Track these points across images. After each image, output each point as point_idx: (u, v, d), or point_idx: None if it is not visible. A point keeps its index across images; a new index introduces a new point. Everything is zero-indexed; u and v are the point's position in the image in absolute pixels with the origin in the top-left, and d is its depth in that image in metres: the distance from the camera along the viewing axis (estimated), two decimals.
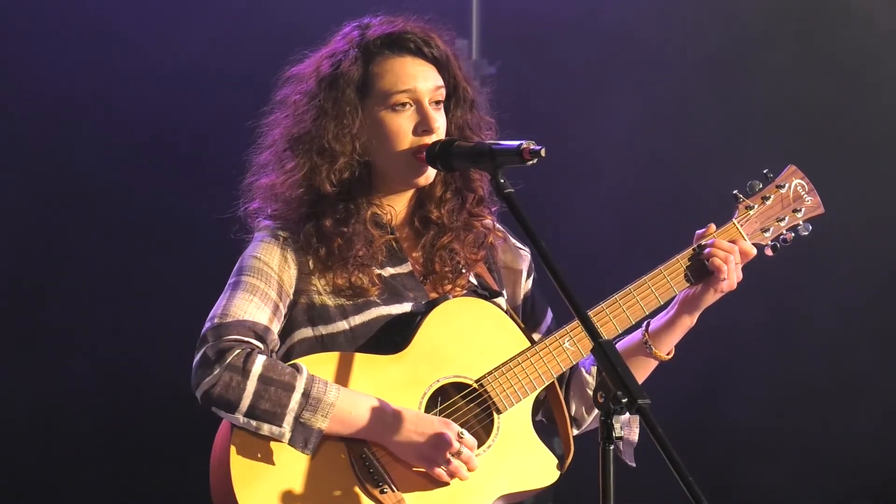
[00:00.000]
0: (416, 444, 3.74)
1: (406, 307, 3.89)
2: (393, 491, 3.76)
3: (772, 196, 4.08)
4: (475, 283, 4.01)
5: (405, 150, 3.87)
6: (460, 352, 3.86)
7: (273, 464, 3.72)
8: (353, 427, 3.74)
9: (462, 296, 3.95)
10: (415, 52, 3.90)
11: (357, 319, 3.86)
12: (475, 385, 3.86)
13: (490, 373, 3.87)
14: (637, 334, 4.04)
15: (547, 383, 3.92)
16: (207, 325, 3.79)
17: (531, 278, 4.13)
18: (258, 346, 3.77)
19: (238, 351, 3.72)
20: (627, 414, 3.24)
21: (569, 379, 4.09)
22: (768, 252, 4.08)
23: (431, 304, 3.89)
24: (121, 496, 6.35)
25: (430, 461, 3.75)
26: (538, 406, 4.01)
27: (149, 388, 6.21)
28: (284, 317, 3.87)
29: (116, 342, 6.30)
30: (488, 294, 4.00)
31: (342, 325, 3.86)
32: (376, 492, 3.75)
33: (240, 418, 3.70)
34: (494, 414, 3.85)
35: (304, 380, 3.72)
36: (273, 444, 3.74)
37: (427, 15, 3.96)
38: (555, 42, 6.74)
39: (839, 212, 4.17)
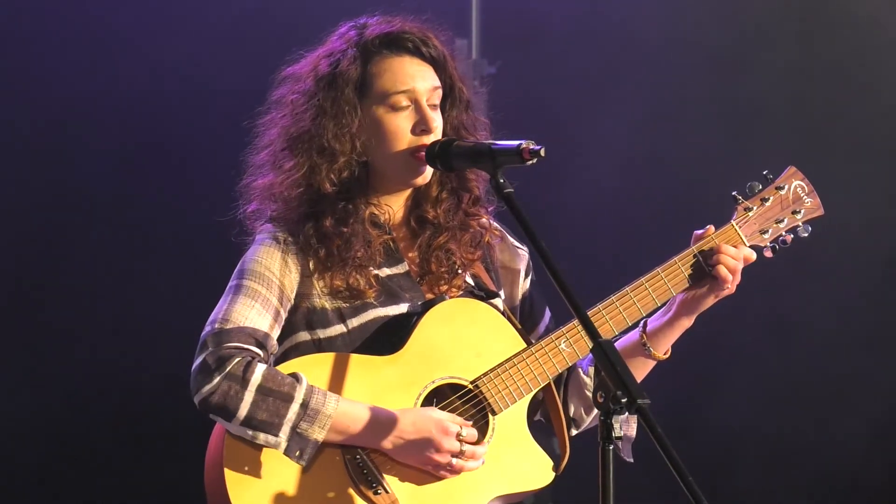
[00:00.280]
0: (417, 450, 3.74)
1: (402, 308, 3.89)
2: (387, 492, 3.75)
3: (771, 197, 4.07)
4: (472, 283, 4.00)
5: (403, 149, 3.87)
6: (456, 353, 3.86)
7: (267, 465, 3.72)
8: (352, 436, 3.73)
9: (458, 296, 3.94)
10: (413, 51, 3.90)
11: (354, 322, 3.86)
12: (470, 386, 3.86)
13: (485, 374, 3.87)
14: (634, 334, 4.03)
15: (542, 385, 3.91)
16: (207, 329, 3.78)
17: (529, 278, 4.12)
18: (258, 354, 3.76)
19: (238, 359, 3.71)
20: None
21: (567, 380, 4.08)
22: (767, 254, 4.06)
23: (427, 305, 3.88)
24: (121, 496, 6.35)
25: (434, 465, 3.76)
26: (537, 405, 4.01)
27: (149, 389, 6.20)
28: (285, 321, 3.86)
29: (116, 342, 6.30)
30: (485, 295, 3.99)
31: (340, 329, 3.86)
32: (370, 493, 3.74)
33: (237, 427, 3.70)
34: (490, 415, 3.85)
35: (303, 390, 3.71)
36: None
37: (424, 15, 3.95)
38: (555, 42, 6.75)
39: (838, 213, 4.16)
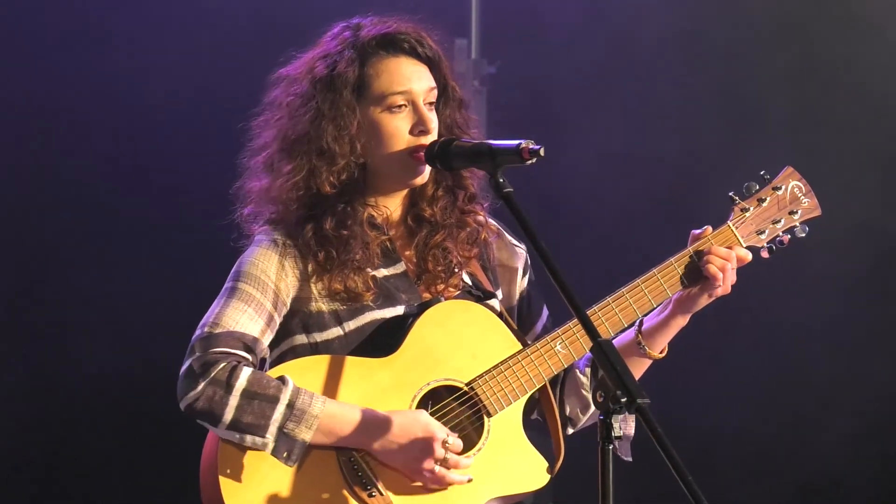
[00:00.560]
0: (402, 454, 3.74)
1: (399, 310, 3.89)
2: (381, 494, 3.75)
3: (768, 198, 4.06)
4: (469, 283, 4.00)
5: (402, 150, 3.87)
6: (451, 354, 3.86)
7: (261, 468, 3.72)
8: (339, 438, 3.73)
9: (454, 297, 3.94)
10: (409, 52, 3.90)
11: (351, 325, 3.86)
12: (466, 388, 3.85)
13: (481, 376, 3.86)
14: (630, 333, 4.02)
15: (538, 386, 3.91)
16: (197, 332, 3.78)
17: (527, 276, 4.12)
18: (245, 358, 3.76)
19: (223, 365, 3.71)
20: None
21: (563, 379, 4.07)
22: (764, 254, 4.05)
23: (423, 307, 3.88)
24: (121, 496, 6.35)
25: (416, 471, 3.75)
26: (534, 405, 4.00)
27: (149, 388, 6.20)
28: (279, 325, 3.86)
29: (116, 342, 6.31)
30: (482, 295, 3.99)
31: (336, 331, 3.85)
32: (364, 494, 3.74)
33: (223, 431, 3.70)
34: (485, 417, 3.84)
35: (289, 392, 3.71)
36: None
37: (418, 14, 3.95)
38: (554, 42, 6.75)
39: (832, 213, 4.15)
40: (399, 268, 3.94)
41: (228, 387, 3.69)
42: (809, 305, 6.70)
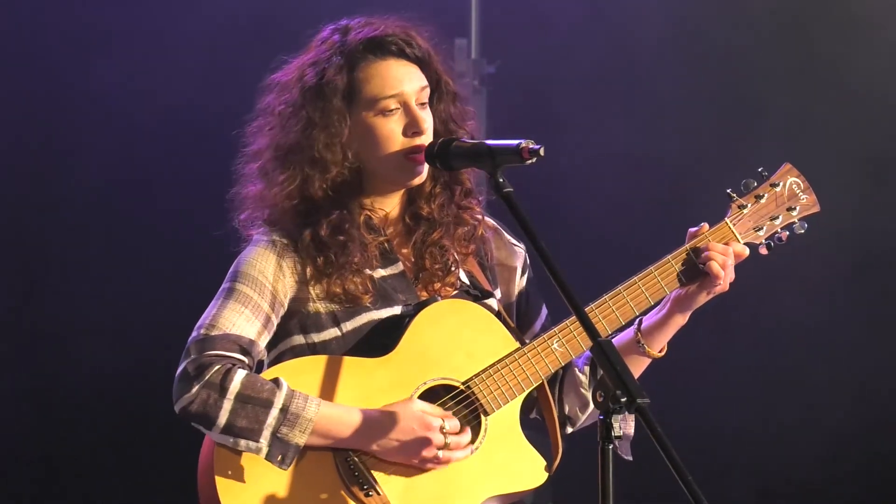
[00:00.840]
0: (402, 450, 3.74)
1: (396, 310, 3.88)
2: (378, 493, 3.75)
3: (766, 194, 4.05)
4: (467, 282, 3.99)
5: (396, 152, 3.86)
6: (448, 354, 3.85)
7: (258, 469, 3.71)
8: (335, 440, 3.73)
9: (451, 297, 3.94)
10: (398, 53, 3.88)
11: (349, 325, 3.86)
12: (462, 387, 3.85)
13: (477, 375, 3.86)
14: (629, 332, 4.01)
15: (535, 385, 3.90)
16: (193, 334, 3.77)
17: (526, 275, 4.11)
18: (240, 361, 3.76)
19: (218, 367, 3.71)
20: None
21: (562, 378, 4.07)
22: (762, 251, 4.04)
23: (420, 306, 3.88)
24: (121, 496, 6.36)
25: (420, 462, 3.75)
26: (533, 403, 4.00)
27: (149, 389, 6.20)
28: (277, 326, 3.86)
29: (116, 342, 6.31)
30: (480, 294, 3.99)
31: (334, 332, 3.85)
32: (361, 494, 3.74)
33: (217, 435, 3.70)
34: (482, 416, 3.84)
35: (283, 395, 3.71)
36: None
37: (418, 14, 3.94)
38: (554, 42, 6.75)
39: (825, 211, 4.15)
40: (397, 268, 3.94)
41: (223, 390, 3.69)
42: (809, 305, 6.70)
